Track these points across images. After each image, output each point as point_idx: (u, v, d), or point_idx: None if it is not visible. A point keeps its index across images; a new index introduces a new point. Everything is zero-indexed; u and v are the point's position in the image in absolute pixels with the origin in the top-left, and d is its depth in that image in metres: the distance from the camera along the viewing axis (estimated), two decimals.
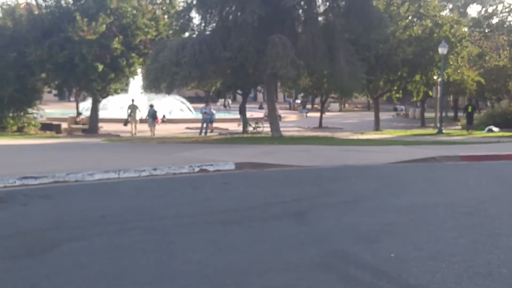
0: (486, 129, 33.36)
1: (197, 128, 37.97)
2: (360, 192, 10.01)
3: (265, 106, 64.47)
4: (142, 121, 35.16)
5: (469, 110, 36.54)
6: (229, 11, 22.39)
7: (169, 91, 23.60)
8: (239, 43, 21.15)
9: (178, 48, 21.05)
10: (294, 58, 20.32)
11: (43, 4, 30.77)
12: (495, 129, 33.04)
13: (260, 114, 55.27)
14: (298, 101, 72.27)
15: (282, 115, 55.98)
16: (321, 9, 23.84)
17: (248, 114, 38.33)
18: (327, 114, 61.65)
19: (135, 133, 33.10)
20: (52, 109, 51.13)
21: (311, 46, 22.00)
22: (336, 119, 53.84)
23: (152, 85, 22.31)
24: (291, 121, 54.22)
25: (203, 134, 30.43)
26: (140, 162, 13.15)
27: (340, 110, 74.22)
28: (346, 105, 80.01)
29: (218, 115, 52.91)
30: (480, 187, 10.75)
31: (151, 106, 34.44)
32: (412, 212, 8.33)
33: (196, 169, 12.18)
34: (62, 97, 68.95)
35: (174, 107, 53.35)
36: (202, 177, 11.62)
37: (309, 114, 59.87)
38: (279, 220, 7.74)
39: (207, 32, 22.53)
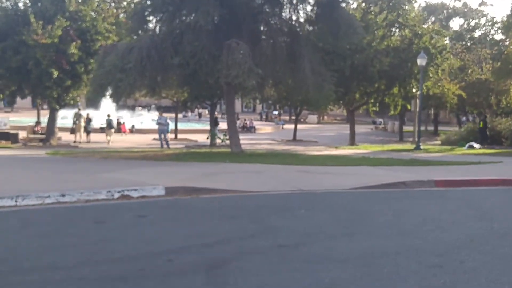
0: (467, 145, 31.67)
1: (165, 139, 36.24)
2: (305, 230, 8.05)
3: (241, 117, 62.90)
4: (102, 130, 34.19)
5: (481, 125, 34.65)
6: (183, 12, 20.29)
7: (115, 100, 21.49)
8: (192, 48, 19.16)
9: (125, 53, 18.99)
10: (251, 66, 18.28)
11: None
12: (476, 145, 31.37)
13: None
14: (276, 112, 70.35)
15: (257, 127, 54.43)
16: (286, 13, 21.91)
17: (222, 126, 36.33)
18: (304, 126, 60.13)
19: (80, 141, 32.40)
20: (23, 117, 49.02)
21: (272, 53, 20.09)
22: (313, 132, 52.14)
23: (97, 92, 20.23)
24: (266, 133, 52.55)
25: (165, 146, 28.35)
26: (54, 184, 11.13)
27: (318, 122, 72.62)
28: (325, 117, 78.30)
29: (190, 126, 51.11)
30: (456, 224, 8.84)
31: (108, 115, 33.61)
32: (364, 263, 6.41)
33: (116, 195, 10.20)
34: (35, 104, 66.96)
35: (147, 117, 51.49)
36: (118, 207, 9.61)
37: (286, 126, 58.10)
38: (184, 277, 5.79)
39: (158, 36, 20.27)
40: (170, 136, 37.40)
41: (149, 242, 7.18)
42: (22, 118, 48.12)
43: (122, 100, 49.42)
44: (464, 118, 64.17)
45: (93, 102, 38.36)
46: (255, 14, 21.35)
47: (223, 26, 20.66)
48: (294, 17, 22.21)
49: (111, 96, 20.49)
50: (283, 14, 22.38)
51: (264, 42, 20.86)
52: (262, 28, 21.70)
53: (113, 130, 34.12)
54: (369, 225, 8.59)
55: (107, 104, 47.88)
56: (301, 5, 22.25)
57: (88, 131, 33.71)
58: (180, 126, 46.89)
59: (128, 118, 49.98)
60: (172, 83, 24.07)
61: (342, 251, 6.95)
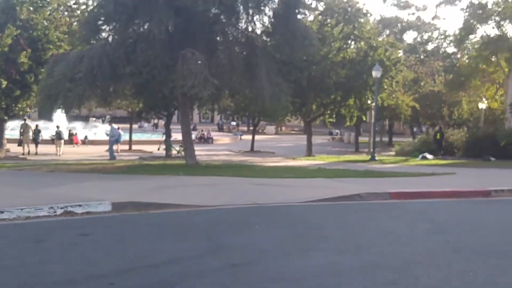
0: (420, 156, 31.98)
1: (120, 150, 35.63)
2: (259, 247, 7.79)
3: (198, 128, 62.37)
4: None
5: (438, 137, 35.00)
6: (136, 22, 19.82)
7: (65, 111, 20.81)
8: (145, 57, 18.69)
9: (75, 62, 18.39)
10: (207, 76, 17.88)
11: None
12: (429, 156, 31.71)
13: (192, 136, 52.94)
14: (234, 123, 70.07)
15: (214, 138, 54.01)
16: (243, 23, 21.66)
17: (177, 136, 35.81)
18: (262, 137, 60.01)
19: (28, 153, 31.41)
20: None
21: (228, 63, 19.82)
22: (271, 143, 52.03)
23: (45, 103, 19.55)
24: (223, 144, 52.16)
25: (116, 158, 27.73)
26: None
27: (276, 133, 72.59)
28: (283, 128, 78.37)
29: (146, 137, 50.36)
30: (411, 238, 8.73)
31: (57, 126, 33.00)
32: (320, 282, 6.20)
33: (59, 212, 9.72)
34: None
35: (101, 128, 50.52)
36: (60, 224, 9.12)
37: (245, 137, 57.87)
38: None
39: (110, 45, 19.70)
40: (124, 147, 36.79)
41: (90, 263, 6.76)
42: None
43: (75, 111, 48.60)
44: (416, 129, 65.06)
45: (46, 113, 37.60)
46: (211, 24, 21.02)
47: (178, 35, 20.24)
48: (250, 28, 21.91)
49: (60, 107, 19.83)
50: (240, 24, 22.10)
51: (220, 52, 20.56)
52: (218, 38, 21.35)
53: (62, 141, 33.20)
54: (325, 240, 8.39)
55: (60, 115, 47.02)
56: (257, 16, 22.00)
57: (37, 142, 32.79)
58: (135, 137, 46.21)
59: (81, 129, 48.95)
60: (125, 93, 23.54)
61: (298, 269, 6.74)
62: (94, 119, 67.58)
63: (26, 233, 8.45)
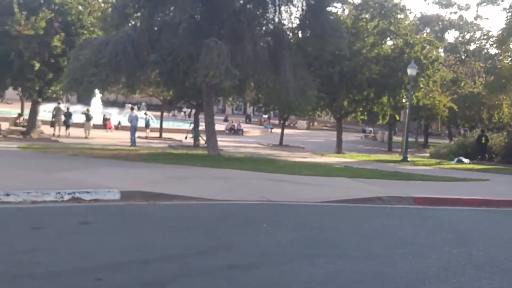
0: (456, 159, 30.99)
1: (150, 137, 35.59)
2: (264, 249, 7.26)
3: (230, 118, 62.00)
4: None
5: (483, 141, 33.89)
6: (162, 9, 19.41)
7: (88, 95, 20.57)
8: (169, 45, 18.29)
9: (100, 47, 18.11)
10: (229, 66, 17.45)
11: None
12: (465, 160, 30.66)
13: (222, 126, 52.71)
14: (265, 115, 69.39)
15: (244, 130, 53.62)
16: (270, 14, 21.05)
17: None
18: (293, 131, 59.37)
19: (59, 135, 31.69)
20: (13, 108, 47.96)
21: (253, 54, 19.28)
22: (301, 137, 51.38)
23: (70, 87, 19.34)
24: (253, 136, 51.82)
25: (134, 145, 27.57)
26: (3, 182, 10.28)
27: (307, 128, 71.85)
28: (315, 123, 77.52)
29: (178, 125, 50.10)
30: (431, 249, 8.06)
31: (87, 109, 33.08)
32: None
33: (66, 197, 9.43)
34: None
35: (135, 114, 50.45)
36: (64, 210, 8.82)
37: (275, 130, 57.32)
38: None
39: (135, 32, 19.33)
40: (155, 134, 36.63)
41: (83, 255, 6.36)
42: (12, 109, 47.10)
43: (112, 97, 48.65)
44: (453, 131, 63.57)
45: (84, 97, 37.77)
46: (237, 13, 20.56)
47: (203, 24, 19.89)
48: (277, 19, 21.39)
49: (84, 91, 19.63)
50: (267, 15, 21.59)
51: (245, 42, 19.99)
52: (244, 29, 20.82)
53: (91, 124, 33.27)
54: (336, 246, 7.82)
55: (97, 100, 47.31)
56: (285, 7, 21.51)
57: (68, 125, 32.89)
58: (167, 125, 46.10)
59: (116, 114, 49.14)
60: (150, 81, 23.24)
61: (300, 277, 6.19)
62: (130, 105, 67.82)
63: (27, 218, 8.18)
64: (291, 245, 7.66)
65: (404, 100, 34.88)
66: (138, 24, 20.16)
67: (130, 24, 20.50)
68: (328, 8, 21.40)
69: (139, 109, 62.09)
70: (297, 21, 21.55)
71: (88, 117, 33.06)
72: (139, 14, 19.93)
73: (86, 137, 31.25)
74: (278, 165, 19.05)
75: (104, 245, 6.89)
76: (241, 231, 8.18)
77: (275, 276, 6.13)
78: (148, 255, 6.51)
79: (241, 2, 21.06)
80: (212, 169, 15.86)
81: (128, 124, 30.47)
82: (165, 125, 44.04)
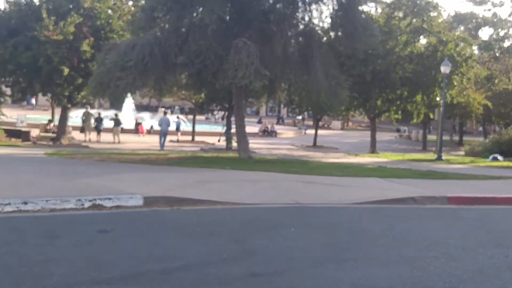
0: (491, 157, 30.25)
1: (182, 141, 35.66)
2: (290, 254, 7.05)
3: (264, 120, 61.76)
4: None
5: None
6: (190, 10, 19.28)
7: (116, 99, 20.55)
8: (197, 47, 18.16)
9: (127, 50, 18.08)
10: (258, 67, 17.20)
11: (12, 0, 28.20)
12: (500, 157, 29.92)
13: (256, 128, 52.57)
14: (299, 117, 68.87)
15: (278, 131, 53.41)
16: (300, 12, 20.81)
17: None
18: (327, 132, 58.94)
19: (89, 140, 32.01)
20: (44, 115, 48.74)
21: (283, 54, 19.04)
22: (335, 138, 50.95)
23: (96, 92, 19.36)
24: (287, 137, 51.55)
25: (163, 149, 27.60)
26: (23, 189, 10.26)
27: (342, 129, 71.17)
28: (349, 123, 76.80)
29: (213, 128, 50.00)
30: (465, 251, 7.74)
31: (116, 115, 33.17)
32: None
33: (87, 204, 9.24)
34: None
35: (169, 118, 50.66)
36: (84, 218, 8.65)
37: (309, 131, 56.94)
38: None
39: (162, 34, 19.25)
40: (187, 138, 36.68)
41: (99, 265, 6.17)
42: (42, 115, 47.78)
43: (145, 101, 48.80)
44: (487, 128, 62.29)
45: (117, 103, 38.05)
46: (266, 13, 20.36)
47: (232, 24, 19.73)
48: (307, 18, 21.13)
49: (110, 96, 19.63)
50: (297, 14, 21.35)
51: (275, 42, 19.79)
52: (273, 29, 20.60)
53: (119, 129, 33.42)
54: (365, 249, 7.57)
55: (129, 105, 47.60)
56: (315, 5, 21.23)
57: (99, 130, 33.14)
58: (201, 128, 46.10)
59: (148, 119, 49.31)
60: (179, 84, 23.18)
61: (326, 283, 5.97)
62: (163, 109, 68.00)
63: (44, 227, 7.97)
64: (318, 249, 7.43)
65: (438, 99, 34.31)
66: (166, 27, 20.04)
67: (155, 27, 20.42)
68: (360, 7, 21.04)
69: (172, 113, 62.43)
70: (328, 20, 21.27)
71: (117, 122, 33.22)
72: (167, 17, 19.79)
73: (114, 142, 31.41)
74: (309, 167, 18.80)
75: (121, 255, 6.70)
76: (267, 236, 7.97)
77: (298, 283, 5.92)
78: (168, 264, 6.33)
79: (271, 1, 20.86)
80: (241, 172, 15.66)
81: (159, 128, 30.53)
82: (199, 128, 44.04)
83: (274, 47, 19.70)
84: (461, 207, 11.44)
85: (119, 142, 31.58)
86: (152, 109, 64.50)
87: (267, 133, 51.90)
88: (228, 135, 31.95)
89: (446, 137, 43.48)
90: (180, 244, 7.27)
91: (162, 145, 28.36)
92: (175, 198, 10.13)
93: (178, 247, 7.11)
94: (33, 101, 66.30)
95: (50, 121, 34.62)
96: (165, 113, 34.15)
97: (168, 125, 30.32)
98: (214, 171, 15.71)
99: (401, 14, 34.19)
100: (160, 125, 29.75)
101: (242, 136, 21.45)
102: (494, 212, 11.20)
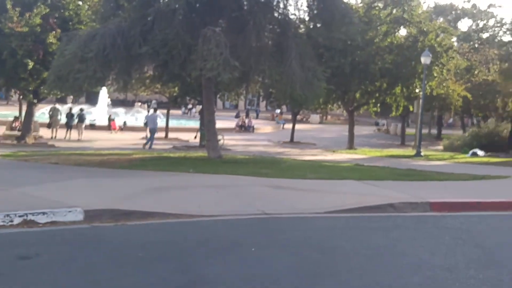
0: (470, 152, 29.54)
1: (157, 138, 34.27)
2: (247, 283, 5.91)
3: (241, 115, 60.45)
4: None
5: None
6: None
7: (75, 93, 19.18)
8: (163, 36, 16.84)
9: (87, 40, 16.70)
10: (227, 57, 15.97)
11: None
12: (480, 152, 29.23)
13: (233, 123, 51.37)
14: (278, 110, 67.51)
15: (255, 126, 52.33)
16: (275, 0, 19.66)
17: (220, 124, 34.08)
18: (305, 126, 57.95)
19: (55, 137, 30.93)
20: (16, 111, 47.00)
21: (256, 44, 17.90)
22: (313, 133, 50.00)
23: (55, 85, 18.00)
24: (264, 133, 50.58)
25: (146, 148, 26.24)
26: None
27: (321, 122, 70.29)
28: (329, 117, 75.84)
29: (190, 124, 48.55)
30: (452, 273, 6.63)
31: (81, 109, 31.86)
32: None
33: (16, 221, 7.92)
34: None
35: (143, 113, 49.24)
36: (8, 239, 7.37)
37: (288, 126, 55.97)
38: None
39: (126, 23, 17.80)
40: (160, 135, 35.31)
41: None
42: (13, 112, 46.13)
43: (122, 95, 47.23)
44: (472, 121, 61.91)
45: (91, 97, 36.45)
46: (239, 0, 19.22)
47: (203, 13, 18.50)
48: (282, 5, 19.95)
49: (69, 89, 18.28)
50: (272, 2, 20.19)
51: (248, 32, 18.55)
52: (247, 17, 19.36)
53: (83, 125, 32.11)
54: (332, 274, 6.44)
55: (104, 99, 46.03)
56: None
57: (69, 126, 31.76)
58: (176, 124, 44.68)
59: (123, 114, 47.66)
60: (143, 77, 21.88)
61: None
62: (139, 104, 66.27)
63: None
64: (282, 273, 6.29)
65: (417, 90, 33.53)
66: (128, 15, 18.70)
67: (122, 16, 19.04)
68: None
69: (149, 107, 60.75)
70: (304, 8, 20.10)
71: (81, 118, 31.85)
72: (133, 3, 18.43)
73: (79, 140, 30.03)
74: (282, 167, 17.62)
75: None
76: (223, 260, 6.77)
77: None
78: None
79: None
80: (205, 176, 14.35)
81: (135, 125, 29.19)
82: (174, 124, 42.59)
83: (247, 37, 18.53)
84: (444, 214, 10.38)
85: (81, 140, 30.22)
86: (129, 104, 62.83)
87: (244, 128, 50.83)
88: (202, 131, 30.74)
89: (424, 130, 42.82)
90: (115, 274, 6.05)
91: (150, 144, 27.01)
92: (122, 211, 8.82)
93: (111, 278, 5.89)
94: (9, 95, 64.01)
95: (17, 118, 33.01)
96: (155, 109, 32.73)
97: (155, 123, 28.99)
98: (176, 175, 14.35)
99: (381, 4, 33.35)
100: (145, 123, 28.38)
101: (212, 134, 20.21)
102: (481, 220, 10.14)
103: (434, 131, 59.56)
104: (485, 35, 71.27)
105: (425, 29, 32.85)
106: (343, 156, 27.08)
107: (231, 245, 7.50)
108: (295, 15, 20.78)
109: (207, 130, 20.68)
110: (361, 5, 34.46)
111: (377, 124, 65.99)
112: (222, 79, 16.61)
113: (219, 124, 25.73)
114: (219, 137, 26.48)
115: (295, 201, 10.65)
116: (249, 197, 10.93)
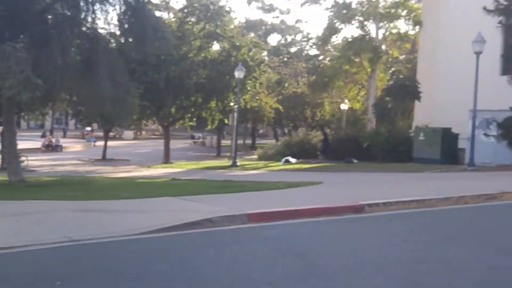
0: (283, 160, 30.63)
1: None
2: None
3: (47, 134, 57.17)
4: None
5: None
6: None
7: None
8: None
9: None
10: (29, 75, 14.79)
11: None
12: (292, 160, 30.44)
13: (39, 144, 48.57)
14: (89, 128, 64.78)
15: (64, 145, 50.39)
16: (83, 13, 18.65)
17: (24, 144, 31.57)
18: (119, 143, 56.57)
19: None
20: None
21: (62, 60, 16.79)
22: (127, 149, 48.93)
23: None
24: (74, 151, 48.65)
25: None
26: None
27: (135, 138, 69.22)
28: (143, 133, 74.80)
29: None
30: (272, 286, 6.36)
31: None
32: None
33: None
34: None
35: None
36: None
37: (100, 143, 54.07)
38: None
39: None
40: None
41: None
42: None
43: None
44: (283, 131, 64.73)
45: None
46: (42, 13, 17.92)
47: (2, 27, 17.08)
48: (90, 19, 18.99)
49: None
50: (79, 15, 19.12)
51: (53, 47, 17.34)
52: (52, 31, 18.10)
53: None
54: None
55: None
56: (101, 5, 19.20)
57: None
58: None
59: None
60: None
61: None
62: None
63: None
64: None
65: (232, 104, 34.18)
66: None
67: None
68: (149, 7, 19.42)
69: None
70: (115, 22, 19.35)
71: None
72: None
73: None
74: (92, 188, 16.54)
75: None
76: None
77: None
78: None
79: (48, 1, 18.46)
80: (4, 203, 12.86)
81: None
82: None
83: (53, 52, 17.30)
84: (263, 225, 10.20)
85: None
86: None
87: (51, 147, 48.41)
88: (3, 153, 28.22)
89: (239, 141, 43.93)
90: None
91: None
92: None
93: None
94: None
95: None
96: None
97: None
98: None
99: (194, 19, 33.58)
100: None
101: (13, 157, 18.65)
102: (299, 228, 10.10)
103: (248, 141, 61.35)
104: (293, 49, 75.25)
105: (237, 44, 33.67)
106: (159, 171, 26.55)
107: (33, 280, 6.52)
108: (105, 29, 19.94)
109: (8, 153, 19.00)
110: (174, 19, 34.52)
111: (193, 137, 66.41)
112: (23, 99, 15.27)
113: (23, 144, 23.88)
114: (23, 158, 24.64)
115: (107, 224, 9.81)
116: (54, 223, 9.87)
